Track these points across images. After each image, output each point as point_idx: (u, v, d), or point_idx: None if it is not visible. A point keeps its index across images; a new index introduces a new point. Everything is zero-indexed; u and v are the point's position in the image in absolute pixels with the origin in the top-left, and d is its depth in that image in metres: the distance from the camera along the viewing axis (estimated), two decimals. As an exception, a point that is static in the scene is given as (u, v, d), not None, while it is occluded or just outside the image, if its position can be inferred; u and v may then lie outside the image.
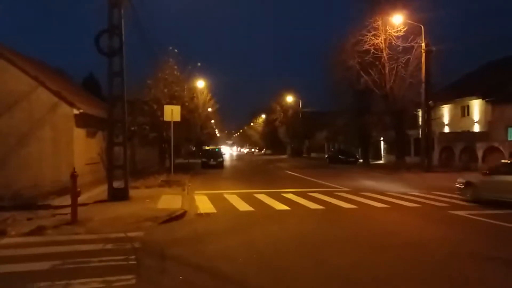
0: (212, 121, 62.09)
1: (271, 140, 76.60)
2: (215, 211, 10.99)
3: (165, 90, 20.32)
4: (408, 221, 9.84)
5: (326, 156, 44.33)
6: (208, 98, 45.92)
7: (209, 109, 49.00)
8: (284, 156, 64.12)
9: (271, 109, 69.01)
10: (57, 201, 12.19)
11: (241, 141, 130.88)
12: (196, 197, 13.64)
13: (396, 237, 8.05)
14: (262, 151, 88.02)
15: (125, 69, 12.67)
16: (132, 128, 19.26)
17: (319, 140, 58.46)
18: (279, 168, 32.60)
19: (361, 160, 35.44)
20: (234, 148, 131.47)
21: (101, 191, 13.72)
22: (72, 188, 9.28)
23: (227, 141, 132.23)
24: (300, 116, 60.88)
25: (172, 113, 16.44)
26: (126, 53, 12.73)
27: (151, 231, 8.37)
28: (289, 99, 60.99)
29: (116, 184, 12.80)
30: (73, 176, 9.32)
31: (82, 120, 15.25)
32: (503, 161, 14.76)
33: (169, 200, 12.39)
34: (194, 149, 50.62)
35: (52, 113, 14.29)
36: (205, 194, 14.23)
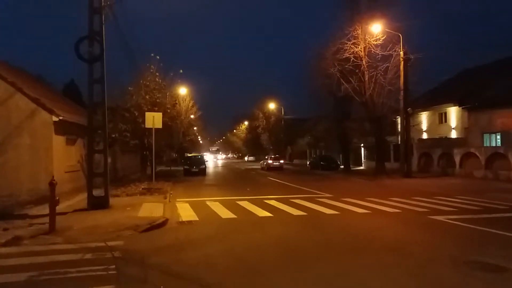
0: (195, 128, 61.93)
1: (253, 146, 76.71)
2: (197, 218, 10.93)
3: (147, 96, 20.17)
4: (389, 227, 9.98)
5: (308, 162, 44.59)
6: (190, 104, 45.83)
7: (192, 116, 48.90)
8: (266, 163, 64.18)
9: (254, 116, 69.26)
10: (35, 210, 11.94)
11: (224, 148, 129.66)
12: (178, 204, 13.54)
13: (377, 242, 8.16)
14: (246, 158, 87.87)
15: (105, 76, 12.56)
16: (113, 135, 19.03)
17: (301, 146, 58.86)
18: (262, 175, 32.66)
19: (342, 166, 35.79)
20: (220, 155, 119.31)
21: (81, 199, 13.51)
22: (50, 197, 9.11)
23: (210, 148, 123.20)
24: (282, 122, 61.31)
25: (154, 120, 16.34)
26: (107, 60, 12.65)
27: (131, 240, 8.27)
28: (272, 106, 61.39)
29: (96, 192, 12.62)
30: (52, 184, 9.16)
31: (61, 127, 15.00)
32: None
33: (151, 208, 12.27)
34: (176, 156, 50.25)
35: (31, 120, 14.03)
36: (187, 202, 14.14)
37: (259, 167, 44.55)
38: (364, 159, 39.19)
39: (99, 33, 12.53)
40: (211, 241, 8.27)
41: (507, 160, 20.81)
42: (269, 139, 64.32)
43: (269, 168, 39.24)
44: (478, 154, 22.95)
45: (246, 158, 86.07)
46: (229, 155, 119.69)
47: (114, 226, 9.51)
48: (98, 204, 12.23)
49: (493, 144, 25.03)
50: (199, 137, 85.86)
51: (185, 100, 43.32)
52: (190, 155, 35.78)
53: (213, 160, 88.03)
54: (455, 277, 5.85)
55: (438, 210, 12.05)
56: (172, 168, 38.98)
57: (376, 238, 8.51)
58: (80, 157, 17.46)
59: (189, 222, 10.47)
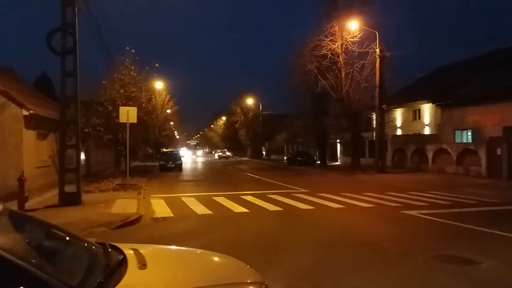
0: (172, 123, 61.22)
1: (231, 142, 76.48)
2: (172, 215, 10.81)
3: (121, 90, 19.74)
4: (363, 221, 10.13)
5: (285, 158, 44.82)
6: (167, 99, 45.24)
7: (168, 111, 48.29)
8: (244, 158, 64.23)
9: (232, 111, 68.99)
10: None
11: (202, 143, 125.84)
12: (152, 201, 13.35)
13: (350, 237, 8.27)
14: (225, 154, 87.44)
15: (78, 69, 12.25)
16: (86, 130, 18.58)
17: (279, 142, 59.07)
18: (239, 170, 32.63)
19: (318, 162, 36.14)
20: (199, 151, 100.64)
21: (53, 195, 13.15)
22: (19, 193, 8.82)
23: (188, 142, 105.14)
24: (260, 118, 61.30)
25: (128, 114, 16.02)
26: (81, 53, 12.34)
27: (104, 237, 8.05)
28: (250, 101, 61.26)
29: (69, 188, 12.32)
30: (21, 180, 8.89)
31: (32, 122, 14.55)
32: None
33: (124, 205, 12.05)
34: (152, 151, 49.60)
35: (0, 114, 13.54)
36: (162, 198, 13.96)
37: (217, 157, 67.70)
38: (340, 154, 39.66)
39: (72, 25, 12.19)
40: (186, 237, 8.18)
41: (477, 156, 21.46)
42: (247, 134, 64.25)
43: (220, 157, 66.50)
44: (449, 150, 23.57)
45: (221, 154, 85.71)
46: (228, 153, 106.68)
47: (86, 223, 9.30)
48: (70, 200, 11.92)
49: (464, 141, 25.74)
50: (175, 132, 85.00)
51: (162, 94, 42.78)
52: (166, 150, 35.29)
53: (191, 157, 76.59)
54: (425, 271, 5.97)
55: (411, 205, 12.31)
56: (148, 163, 38.46)
57: (349, 233, 8.62)
58: (52, 152, 16.99)
59: (164, 218, 10.34)
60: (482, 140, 22.21)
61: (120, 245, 3.31)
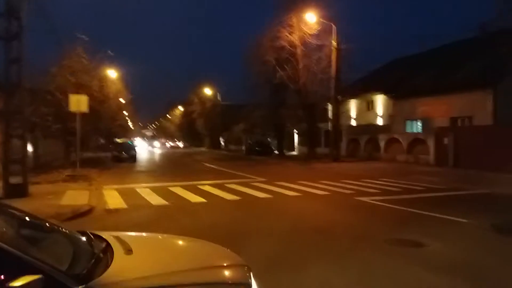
0: (125, 113, 59.39)
1: (188, 132, 75.44)
2: (125, 206, 10.48)
3: (71, 78, 18.79)
4: (319, 208, 10.32)
5: (243, 148, 44.88)
6: (120, 88, 43.74)
7: (122, 100, 46.74)
8: (202, 149, 63.67)
9: (189, 101, 67.94)
10: None
11: (159, 134, 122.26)
12: (105, 192, 12.88)
13: (307, 223, 8.40)
14: (180, 144, 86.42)
15: (24, 55, 11.53)
16: (33, 120, 17.58)
17: (237, 132, 58.99)
18: (197, 161, 32.29)
19: (276, 152, 36.49)
20: (157, 142, 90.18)
21: (-4, 188, 12.35)
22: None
23: (144, 132, 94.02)
24: (219, 108, 60.82)
25: (79, 103, 15.29)
26: (27, 38, 11.64)
27: (52, 230, 7.70)
28: (208, 91, 60.53)
29: (15, 180, 11.61)
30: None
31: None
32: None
33: (75, 196, 11.56)
34: (104, 142, 47.92)
35: None
36: (115, 189, 13.50)
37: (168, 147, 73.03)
38: (297, 144, 40.24)
39: (18, 9, 11.42)
40: (140, 228, 7.88)
41: (426, 145, 22.50)
42: (204, 125, 63.61)
43: (172, 147, 72.43)
44: (400, 140, 24.54)
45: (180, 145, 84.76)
46: (179, 143, 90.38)
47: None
48: (15, 192, 11.24)
49: (415, 131, 26.88)
50: (129, 122, 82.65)
51: (115, 83, 41.32)
52: (119, 141, 34.20)
53: (147, 148, 70.80)
54: (377, 254, 6.17)
55: (364, 191, 12.70)
56: (100, 154, 37.18)
57: (306, 220, 8.76)
58: (-4, 143, 15.94)
59: (117, 210, 10.00)
60: (431, 130, 23.28)
61: (101, 233, 3.31)
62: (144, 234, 4.10)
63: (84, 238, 3.12)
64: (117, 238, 3.22)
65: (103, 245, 3.00)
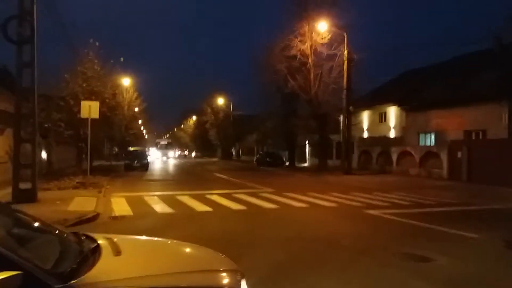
0: (140, 122, 60.01)
1: (201, 142, 75.74)
2: (131, 213, 10.47)
3: (84, 85, 19.06)
4: (324, 220, 10.14)
5: (254, 159, 44.80)
6: (134, 96, 44.34)
7: (136, 109, 47.32)
8: (214, 159, 63.77)
9: (202, 111, 68.33)
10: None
11: (174, 143, 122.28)
12: (113, 199, 12.91)
13: (311, 234, 8.23)
14: (192, 154, 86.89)
15: (36, 59, 11.72)
16: (46, 125, 17.83)
17: (249, 143, 58.99)
18: (208, 171, 32.29)
19: (287, 163, 36.30)
20: (171, 151, 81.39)
21: (7, 193, 12.43)
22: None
23: (158, 141, 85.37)
24: (231, 118, 60.99)
25: (90, 109, 15.45)
26: (41, 43, 11.87)
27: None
28: (220, 101, 60.80)
29: (25, 185, 11.75)
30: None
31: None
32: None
33: (83, 202, 11.60)
34: (118, 150, 48.38)
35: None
36: (124, 197, 13.51)
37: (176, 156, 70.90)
38: (308, 156, 39.99)
39: (30, 13, 11.65)
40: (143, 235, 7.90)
41: (439, 159, 22.09)
42: (217, 135, 63.77)
43: (180, 156, 71.71)
44: (413, 153, 24.17)
45: (193, 155, 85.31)
46: (186, 153, 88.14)
47: (39, 221, 8.84)
48: (24, 197, 11.35)
49: (428, 143, 26.47)
50: (144, 131, 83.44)
51: (129, 91, 41.88)
52: (132, 149, 34.44)
53: (161, 158, 63.54)
54: (382, 267, 6.00)
55: (374, 205, 12.46)
56: (113, 163, 37.52)
57: (310, 231, 8.60)
58: (8, 148, 16.17)
59: (123, 217, 10.00)
60: (444, 143, 22.88)
61: (94, 235, 3.35)
62: (138, 237, 4.06)
63: (74, 239, 3.15)
64: (109, 240, 3.24)
65: (93, 245, 3.02)
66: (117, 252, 2.94)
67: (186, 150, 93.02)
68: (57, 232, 3.24)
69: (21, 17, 11.52)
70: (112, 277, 2.54)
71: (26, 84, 11.78)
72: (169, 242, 3.95)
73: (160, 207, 11.44)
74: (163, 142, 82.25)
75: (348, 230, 8.85)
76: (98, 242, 3.10)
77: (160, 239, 4.08)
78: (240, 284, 2.91)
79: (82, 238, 3.19)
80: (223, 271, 3.11)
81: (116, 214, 10.23)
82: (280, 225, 9.31)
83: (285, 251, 6.82)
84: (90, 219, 9.34)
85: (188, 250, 3.66)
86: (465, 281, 5.46)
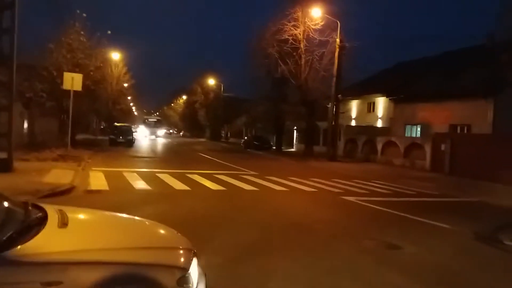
0: (129, 98, 59.30)
1: (190, 122, 75.28)
2: (107, 188, 10.35)
3: (68, 56, 18.60)
4: (301, 204, 10.16)
5: (242, 141, 44.72)
6: (123, 72, 43.65)
7: (125, 84, 46.65)
8: (202, 140, 63.50)
9: (193, 91, 67.69)
10: None
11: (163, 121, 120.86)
12: (91, 173, 12.75)
13: (286, 218, 8.24)
14: (181, 133, 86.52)
15: (17, 26, 11.34)
16: (27, 95, 17.44)
17: (238, 125, 58.81)
18: (194, 150, 32.14)
19: (274, 147, 36.31)
20: (161, 130, 71.45)
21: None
22: None
23: (147, 118, 75.40)
24: (222, 100, 60.51)
25: (73, 81, 15.13)
26: (26, 10, 11.50)
27: (26, 206, 7.58)
28: (211, 82, 60.20)
29: (1, 155, 11.50)
30: None
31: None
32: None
33: (59, 175, 11.43)
34: (105, 126, 47.85)
35: None
36: (102, 171, 13.33)
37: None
38: (296, 141, 40.03)
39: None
40: (115, 211, 7.78)
41: (423, 150, 22.25)
42: (206, 115, 63.35)
43: (167, 134, 71.14)
44: (398, 143, 24.30)
45: (180, 134, 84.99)
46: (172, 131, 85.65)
47: (11, 190, 8.62)
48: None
49: (414, 135, 26.60)
50: (133, 107, 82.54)
51: (118, 66, 41.17)
52: (117, 124, 33.99)
53: (149, 137, 56.13)
54: (349, 252, 6.03)
55: (352, 191, 12.52)
56: (99, 137, 37.12)
57: (285, 215, 8.60)
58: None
59: (98, 191, 9.88)
60: (429, 135, 23.03)
61: (46, 206, 3.23)
62: (95, 210, 3.96)
63: (21, 208, 3.06)
64: (60, 212, 3.12)
65: (38, 216, 2.92)
66: (63, 223, 2.85)
67: (174, 128, 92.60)
68: (3, 200, 3.12)
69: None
70: (51, 249, 2.46)
71: (5, 51, 11.42)
72: (123, 217, 3.86)
73: (138, 184, 11.33)
74: (151, 119, 73.84)
75: (323, 215, 8.87)
76: (46, 212, 3.00)
77: (116, 214, 3.97)
78: (190, 263, 2.85)
79: (30, 208, 3.09)
80: (174, 248, 3.06)
81: (92, 188, 10.10)
82: (256, 207, 9.28)
83: (255, 233, 6.79)
84: (64, 192, 9.20)
85: (141, 226, 3.59)
86: (430, 269, 5.51)
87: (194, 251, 3.07)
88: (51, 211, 3.08)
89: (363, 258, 5.77)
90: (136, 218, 3.90)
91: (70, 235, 2.80)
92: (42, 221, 2.83)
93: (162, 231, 3.46)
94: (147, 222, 3.69)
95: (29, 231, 2.59)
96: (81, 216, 3.50)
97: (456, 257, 6.26)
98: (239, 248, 5.85)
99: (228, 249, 5.80)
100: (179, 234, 3.42)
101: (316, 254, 5.84)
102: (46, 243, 2.51)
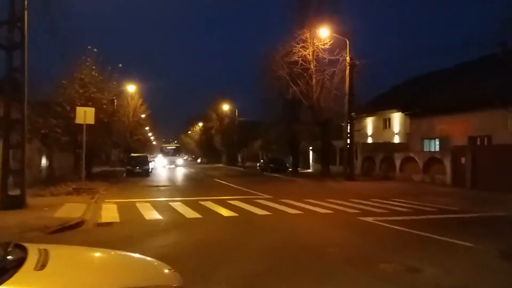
0: (146, 128, 60.06)
1: (207, 148, 75.69)
2: (118, 220, 10.23)
3: (81, 91, 19.00)
4: (315, 227, 9.81)
5: (258, 165, 44.50)
6: (139, 103, 44.46)
7: (143, 116, 47.45)
8: (219, 165, 63.56)
9: (208, 117, 68.33)
10: None
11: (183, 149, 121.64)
12: (104, 205, 12.71)
13: (299, 242, 7.94)
14: (198, 160, 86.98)
15: (27, 65, 11.64)
16: (43, 131, 17.76)
17: (254, 149, 58.73)
18: (209, 176, 32.07)
19: (290, 169, 35.95)
20: (180, 159, 62.31)
21: (-3, 199, 12.36)
22: None
23: (164, 146, 68.62)
24: (236, 124, 60.76)
25: (85, 115, 15.35)
26: (37, 49, 11.86)
27: (35, 242, 7.48)
28: (225, 107, 60.69)
29: (14, 191, 11.61)
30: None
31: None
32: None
33: (71, 209, 11.41)
34: (123, 156, 48.44)
35: None
36: (115, 203, 13.28)
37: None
38: (312, 162, 39.59)
39: (21, 19, 11.59)
40: (122, 244, 7.64)
41: (443, 165, 21.59)
42: (222, 140, 63.59)
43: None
44: (416, 159, 23.69)
45: (198, 160, 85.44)
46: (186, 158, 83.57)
47: (21, 227, 8.66)
48: (12, 203, 11.19)
49: (433, 149, 25.95)
50: (152, 137, 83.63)
51: (133, 98, 42.01)
52: (134, 155, 34.32)
53: (168, 167, 51.71)
54: (365, 278, 5.69)
55: (369, 211, 12.09)
56: (117, 168, 37.47)
57: (298, 239, 8.30)
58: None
59: (108, 223, 9.77)
60: (448, 149, 22.40)
61: (29, 245, 3.04)
62: (83, 249, 3.79)
63: (1, 249, 2.89)
64: (44, 251, 2.95)
65: (17, 257, 2.74)
66: (41, 266, 2.67)
67: (191, 155, 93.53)
68: None
69: (12, 23, 11.47)
70: None
71: (14, 89, 11.69)
72: (113, 255, 3.67)
73: (149, 214, 11.19)
74: (169, 147, 66.61)
75: (337, 238, 8.52)
76: (27, 253, 2.83)
77: (106, 251, 3.79)
78: None
79: (9, 248, 2.93)
80: (160, 287, 2.84)
81: (102, 221, 10.00)
82: (268, 233, 9.00)
83: (265, 261, 6.51)
84: (73, 226, 9.12)
85: (130, 264, 3.38)
86: (451, 294, 5.12)
87: None
88: (33, 251, 2.92)
89: (379, 284, 5.43)
90: (128, 254, 3.71)
91: (45, 278, 2.63)
92: (20, 263, 2.67)
93: (153, 269, 3.26)
94: (138, 259, 3.50)
95: (2, 275, 2.43)
96: (66, 256, 3.32)
97: (480, 278, 5.84)
98: (245, 278, 5.58)
99: (234, 278, 5.54)
100: (172, 270, 3.20)
101: (327, 281, 5.52)
102: (18, 287, 2.34)
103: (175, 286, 2.85)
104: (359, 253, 7.17)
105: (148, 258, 3.49)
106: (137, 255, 3.58)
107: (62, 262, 3.03)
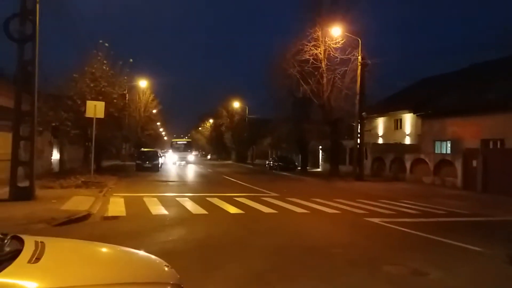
0: (158, 123, 60.37)
1: (217, 145, 75.85)
2: (124, 214, 10.28)
3: (92, 85, 19.14)
4: (321, 227, 9.73)
5: (266, 162, 44.44)
6: (150, 98, 44.70)
7: (154, 111, 47.72)
8: (228, 162, 63.66)
9: (218, 114, 68.43)
10: None
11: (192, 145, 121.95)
12: (111, 199, 12.79)
13: (303, 242, 7.86)
14: (208, 156, 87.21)
15: (37, 57, 11.74)
16: (53, 124, 17.94)
17: (264, 146, 58.64)
18: (218, 173, 32.11)
19: (299, 168, 35.82)
20: (192, 155, 59.97)
21: (7, 191, 12.51)
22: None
23: (174, 141, 64.69)
24: (246, 122, 60.72)
25: (96, 109, 15.46)
26: (50, 44, 11.96)
27: (40, 234, 7.53)
28: (236, 104, 60.72)
29: (24, 183, 11.73)
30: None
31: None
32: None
33: (79, 202, 11.50)
34: (134, 151, 48.79)
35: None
36: (123, 197, 13.35)
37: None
38: (321, 161, 39.38)
39: (32, 12, 11.69)
40: (127, 238, 7.66)
41: (454, 167, 21.28)
42: (232, 138, 63.66)
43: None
44: (427, 160, 23.39)
45: (208, 157, 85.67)
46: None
47: (28, 219, 8.74)
48: (21, 195, 11.32)
49: (444, 151, 25.60)
50: (163, 132, 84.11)
51: (145, 93, 42.24)
52: (144, 150, 34.49)
53: (178, 163, 48.96)
54: (369, 280, 5.60)
55: (377, 212, 11.96)
56: (127, 163, 37.72)
57: (303, 238, 8.23)
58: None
59: (115, 217, 9.81)
60: (459, 151, 22.07)
61: (27, 237, 3.02)
62: (80, 242, 3.76)
63: None
64: (40, 244, 2.91)
65: (13, 249, 2.72)
66: (36, 258, 2.63)
67: (202, 151, 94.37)
68: None
69: (23, 16, 11.56)
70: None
71: (25, 82, 11.79)
72: (110, 249, 3.63)
73: (155, 209, 11.22)
74: (180, 142, 61.67)
75: (343, 239, 8.43)
76: (24, 245, 2.81)
77: (104, 244, 3.77)
78: None
79: (6, 240, 2.90)
80: (159, 284, 2.79)
81: (109, 215, 10.06)
82: (273, 231, 8.94)
83: (269, 260, 6.46)
84: (79, 219, 9.18)
85: (126, 259, 3.33)
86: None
87: (182, 286, 2.82)
88: (29, 243, 2.89)
89: (382, 286, 5.34)
90: (125, 249, 3.66)
91: (38, 271, 2.60)
92: (15, 255, 2.64)
93: (148, 264, 3.22)
94: (134, 254, 3.46)
95: None
96: (61, 249, 3.29)
97: (487, 284, 5.72)
98: (248, 276, 5.54)
99: (236, 277, 5.50)
100: (169, 267, 3.16)
101: (331, 282, 5.45)
102: (9, 280, 2.31)
103: (172, 283, 2.81)
104: (364, 255, 7.07)
105: (145, 254, 3.46)
106: (135, 251, 3.54)
107: (57, 255, 3.00)
